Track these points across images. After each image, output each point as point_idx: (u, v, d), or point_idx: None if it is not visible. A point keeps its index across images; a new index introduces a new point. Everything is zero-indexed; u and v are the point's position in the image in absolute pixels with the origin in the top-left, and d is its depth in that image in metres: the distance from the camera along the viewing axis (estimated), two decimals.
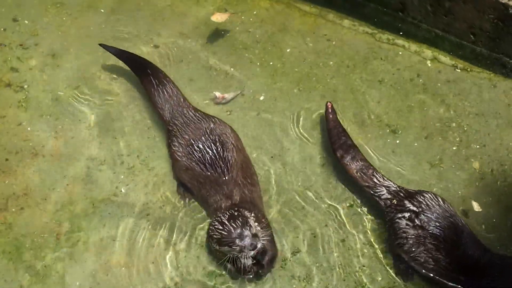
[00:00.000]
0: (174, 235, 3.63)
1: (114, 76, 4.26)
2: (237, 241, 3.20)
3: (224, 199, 3.46)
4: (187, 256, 3.57)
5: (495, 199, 3.67)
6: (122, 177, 3.84)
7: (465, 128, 3.93)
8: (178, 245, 3.61)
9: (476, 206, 3.62)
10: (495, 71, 4.11)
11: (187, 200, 3.73)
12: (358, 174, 3.59)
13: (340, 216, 3.67)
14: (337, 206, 3.71)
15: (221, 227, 3.24)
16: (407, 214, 3.35)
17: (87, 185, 3.82)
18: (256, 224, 3.30)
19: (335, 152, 3.68)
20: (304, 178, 3.81)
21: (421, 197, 3.38)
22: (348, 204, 3.71)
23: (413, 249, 3.32)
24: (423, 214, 3.31)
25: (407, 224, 3.34)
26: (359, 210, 3.70)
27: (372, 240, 3.59)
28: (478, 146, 3.86)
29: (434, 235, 3.27)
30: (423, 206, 3.34)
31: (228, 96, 4.11)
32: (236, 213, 3.27)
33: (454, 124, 3.95)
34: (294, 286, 3.48)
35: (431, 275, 3.33)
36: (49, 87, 4.22)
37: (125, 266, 3.54)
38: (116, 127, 4.04)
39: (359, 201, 3.71)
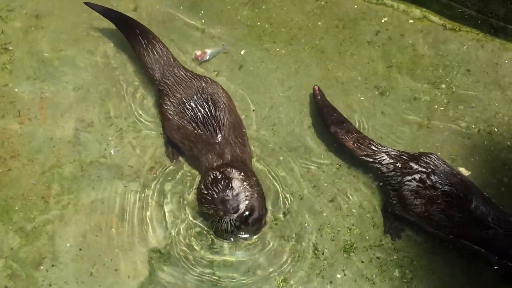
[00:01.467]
0: (163, 197, 3.65)
1: (101, 37, 4.21)
2: (220, 206, 3.22)
3: (216, 158, 3.46)
4: (177, 217, 3.59)
5: (482, 159, 3.70)
6: (110, 139, 3.83)
7: (453, 89, 3.93)
8: (167, 206, 3.62)
9: (464, 171, 3.64)
10: (484, 31, 4.10)
11: (175, 161, 3.73)
12: (355, 145, 3.60)
13: (328, 177, 3.69)
14: (325, 167, 3.73)
15: (205, 191, 3.26)
16: (417, 176, 3.38)
17: (75, 147, 3.80)
18: (245, 183, 3.30)
19: (329, 129, 3.69)
20: (292, 139, 3.82)
21: (427, 158, 3.42)
22: (336, 166, 3.72)
23: (427, 209, 3.36)
24: (433, 174, 3.35)
25: (418, 186, 3.37)
26: (346, 171, 3.72)
27: (360, 200, 3.62)
28: (465, 107, 3.87)
29: (447, 193, 3.31)
30: (431, 166, 3.38)
31: (208, 51, 4.09)
32: (219, 176, 3.27)
33: (442, 85, 3.95)
34: (283, 246, 3.51)
35: (445, 230, 3.37)
36: (34, 49, 4.16)
37: (115, 228, 3.56)
38: (103, 89, 4.01)
39: (347, 163, 3.73)
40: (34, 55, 4.13)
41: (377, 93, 3.95)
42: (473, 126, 3.81)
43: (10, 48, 4.16)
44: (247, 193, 3.29)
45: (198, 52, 4.09)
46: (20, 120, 3.89)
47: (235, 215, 3.23)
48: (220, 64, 4.09)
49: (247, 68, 4.07)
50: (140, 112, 3.92)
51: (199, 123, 3.51)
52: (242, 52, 4.13)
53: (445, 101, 3.90)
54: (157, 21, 4.26)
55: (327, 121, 3.70)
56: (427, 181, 3.35)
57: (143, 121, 3.90)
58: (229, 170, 3.31)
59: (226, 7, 4.31)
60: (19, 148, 3.79)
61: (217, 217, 3.26)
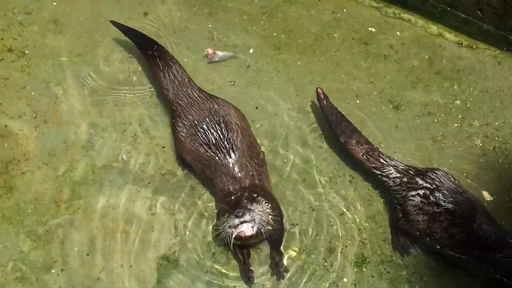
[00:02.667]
0: (174, 204, 3.64)
1: (117, 43, 4.23)
2: (230, 207, 3.21)
3: (231, 180, 3.45)
4: (186, 225, 3.59)
5: (496, 176, 3.67)
6: (123, 145, 3.83)
7: (468, 105, 3.91)
8: (178, 214, 3.62)
9: (486, 195, 3.62)
10: (501, 48, 4.08)
11: (187, 170, 3.73)
12: (364, 157, 3.59)
13: (340, 189, 3.68)
14: (338, 179, 3.71)
15: (227, 201, 3.27)
16: (421, 192, 3.36)
17: (88, 151, 3.82)
18: (268, 211, 3.27)
19: (338, 138, 3.67)
20: (305, 150, 3.81)
21: (434, 174, 3.39)
22: (349, 177, 3.71)
23: (429, 225, 3.33)
24: (438, 191, 3.32)
25: (421, 201, 3.34)
26: (359, 183, 3.70)
27: (372, 214, 3.60)
28: (481, 124, 3.85)
29: (450, 211, 3.28)
30: (436, 183, 3.35)
31: (220, 53, 4.12)
32: (248, 195, 3.26)
33: (457, 101, 3.93)
34: (292, 258, 3.50)
35: (445, 248, 3.34)
36: (51, 53, 4.19)
37: (124, 233, 3.56)
38: (118, 95, 4.02)
39: (359, 176, 3.71)
40: (50, 59, 4.16)
41: (391, 106, 3.94)
42: (488, 143, 3.78)
43: (27, 52, 4.19)
44: (263, 217, 3.24)
45: (210, 51, 4.13)
46: (36, 122, 3.91)
47: (237, 221, 3.18)
48: (235, 73, 4.10)
49: (261, 78, 4.07)
50: (155, 119, 3.93)
51: (211, 145, 3.50)
52: (258, 62, 4.13)
53: (460, 117, 3.88)
54: (174, 30, 4.28)
55: (336, 130, 3.68)
56: (431, 197, 3.32)
57: (157, 127, 3.90)
58: (253, 193, 3.30)
59: (243, 17, 4.32)
60: (34, 151, 3.81)
61: (223, 220, 3.23)
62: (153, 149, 3.83)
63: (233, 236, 3.17)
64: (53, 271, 3.47)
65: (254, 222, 3.19)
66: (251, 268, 3.43)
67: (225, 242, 3.25)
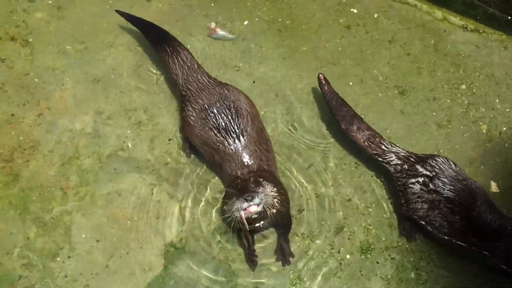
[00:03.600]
0: (180, 191, 3.65)
1: (121, 29, 4.21)
2: (238, 192, 3.20)
3: (240, 165, 3.45)
4: (193, 212, 3.59)
5: (502, 161, 3.66)
6: (129, 132, 3.83)
7: (474, 90, 3.90)
8: (184, 201, 3.62)
9: (494, 186, 3.60)
10: (507, 33, 4.05)
11: (193, 156, 3.73)
12: (366, 143, 3.58)
13: (346, 175, 3.68)
14: (343, 165, 3.71)
15: (235, 185, 3.27)
16: (420, 179, 3.35)
17: (94, 139, 3.82)
18: (275, 194, 3.29)
19: (339, 124, 3.66)
20: (311, 136, 3.81)
21: (433, 161, 3.38)
22: (355, 164, 3.71)
23: (428, 214, 3.33)
24: (437, 178, 3.31)
25: (421, 189, 3.34)
26: (364, 171, 3.70)
27: (377, 199, 3.60)
28: (486, 109, 3.84)
29: (449, 199, 3.27)
30: (436, 170, 3.34)
31: (220, 32, 4.15)
32: (254, 179, 3.27)
33: (463, 86, 3.91)
34: (298, 243, 3.50)
35: (446, 238, 3.34)
36: (55, 39, 4.17)
37: (131, 220, 3.57)
38: (123, 82, 4.02)
39: (364, 162, 3.71)
40: (55, 46, 4.15)
41: (397, 92, 3.92)
42: (494, 128, 3.77)
43: (30, 40, 4.17)
44: (269, 200, 3.25)
45: (212, 25, 4.17)
46: (40, 110, 3.90)
47: (246, 204, 3.17)
48: (240, 59, 4.08)
49: (265, 64, 4.06)
50: (160, 106, 3.92)
51: (221, 129, 3.50)
52: (262, 48, 4.11)
53: (465, 102, 3.86)
54: (177, 17, 4.26)
55: (337, 116, 3.67)
56: (430, 185, 3.32)
57: (162, 115, 3.90)
58: (259, 178, 3.31)
59: (246, 2, 4.30)
60: (39, 139, 3.81)
61: (230, 203, 3.22)
62: (158, 136, 3.83)
63: (242, 218, 3.18)
64: (59, 258, 3.48)
65: (261, 203, 3.19)
66: (255, 253, 3.43)
67: (232, 225, 3.24)
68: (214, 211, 3.59)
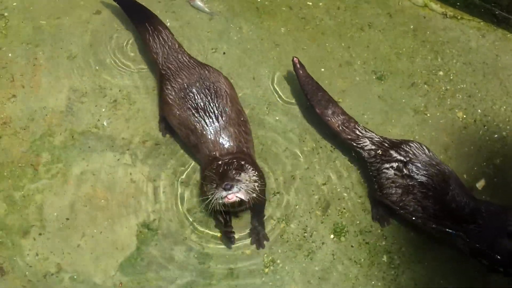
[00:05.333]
0: (154, 171, 3.62)
1: (97, 6, 4.15)
2: (217, 178, 3.19)
3: (218, 147, 3.42)
4: (167, 192, 3.57)
5: (476, 149, 3.69)
6: (104, 110, 3.79)
7: (451, 77, 3.91)
8: (158, 181, 3.60)
9: (481, 183, 3.62)
10: (486, 21, 4.07)
11: (168, 136, 3.70)
12: (340, 128, 3.57)
13: (322, 159, 3.68)
14: (319, 149, 3.70)
15: (215, 168, 3.24)
16: (394, 164, 3.36)
17: (68, 116, 3.76)
18: (253, 178, 3.27)
19: (314, 109, 3.65)
20: (288, 119, 3.80)
21: (407, 146, 3.39)
22: (330, 148, 3.70)
23: (402, 198, 3.34)
24: (411, 164, 3.32)
25: (395, 174, 3.35)
26: (339, 155, 3.70)
27: (352, 184, 3.61)
28: (463, 96, 3.85)
29: (423, 184, 3.29)
30: (410, 155, 3.35)
31: (198, 2, 4.15)
32: (234, 161, 3.25)
33: (441, 73, 3.93)
34: (273, 226, 3.50)
35: (420, 222, 3.36)
36: (30, 15, 4.10)
37: (104, 199, 3.54)
38: (99, 60, 3.96)
39: (339, 147, 3.71)
40: (30, 22, 4.07)
41: (374, 77, 3.92)
42: (470, 115, 3.80)
43: (6, 14, 4.09)
44: (250, 185, 3.23)
45: None
46: (13, 86, 3.83)
47: (224, 193, 3.17)
48: (218, 40, 4.05)
49: (245, 46, 4.03)
50: (137, 85, 3.88)
51: (199, 109, 3.47)
52: (241, 29, 4.08)
53: (442, 89, 3.88)
54: None
55: (312, 101, 3.66)
56: (404, 170, 3.33)
57: (138, 93, 3.86)
58: (241, 161, 3.28)
59: None
60: (12, 115, 3.75)
61: (210, 189, 3.21)
62: (134, 115, 3.79)
63: (221, 206, 3.19)
64: (29, 236, 3.44)
65: (240, 191, 3.18)
66: (232, 230, 3.42)
67: (209, 208, 3.23)
68: (188, 192, 3.57)
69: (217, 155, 3.40)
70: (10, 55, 3.94)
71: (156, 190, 3.57)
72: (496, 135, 3.74)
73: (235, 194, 3.17)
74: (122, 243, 3.44)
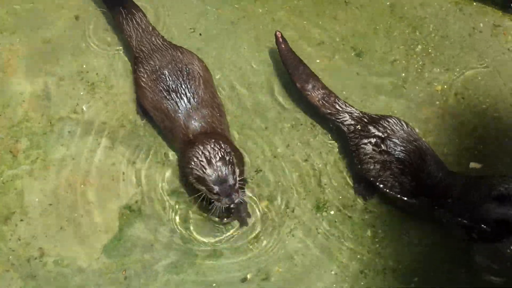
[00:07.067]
0: (135, 154, 3.61)
1: None
2: (216, 188, 3.14)
3: (192, 128, 3.39)
4: (148, 174, 3.56)
5: (457, 122, 3.71)
6: (82, 94, 3.76)
7: (430, 51, 3.92)
8: (139, 163, 3.59)
9: (475, 164, 3.62)
10: None
11: (146, 119, 3.69)
12: (320, 102, 3.57)
13: (302, 136, 3.68)
14: (299, 126, 3.71)
15: (207, 166, 3.15)
16: (372, 140, 3.37)
17: (45, 101, 3.73)
18: (237, 162, 3.26)
19: (294, 83, 3.65)
20: (267, 98, 3.79)
21: (386, 122, 3.39)
22: (310, 125, 3.71)
23: (380, 174, 3.36)
24: (388, 140, 3.33)
25: (373, 150, 3.36)
26: (320, 131, 3.70)
27: (334, 159, 3.62)
28: (441, 70, 3.87)
29: (400, 160, 3.30)
30: (388, 131, 3.36)
31: None
32: (227, 157, 3.18)
33: (419, 47, 3.93)
34: (255, 204, 3.51)
35: (398, 196, 3.38)
36: (3, 0, 4.05)
37: (84, 184, 3.53)
38: (75, 44, 3.93)
39: (320, 123, 3.71)
40: (3, 7, 4.02)
41: (353, 54, 3.92)
42: (449, 89, 3.81)
43: None
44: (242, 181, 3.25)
45: None
46: None
47: (230, 202, 3.16)
48: (195, 21, 4.02)
49: (222, 27, 4.01)
50: (114, 68, 3.86)
51: (171, 92, 3.44)
52: (218, 9, 4.06)
53: (420, 63, 3.89)
54: None
55: (293, 75, 3.65)
56: (382, 145, 3.34)
57: (115, 76, 3.83)
58: (231, 153, 3.23)
59: None
60: None
61: (207, 196, 3.20)
62: (112, 99, 3.77)
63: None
64: (10, 221, 3.43)
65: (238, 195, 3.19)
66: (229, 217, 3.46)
67: (214, 214, 3.28)
68: (169, 173, 3.56)
69: (191, 136, 3.37)
70: None
71: (138, 173, 3.56)
72: (476, 108, 3.75)
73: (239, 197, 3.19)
74: (105, 226, 3.44)
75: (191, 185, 3.30)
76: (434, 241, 3.42)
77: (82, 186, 3.52)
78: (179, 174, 3.52)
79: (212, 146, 3.19)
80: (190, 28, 3.99)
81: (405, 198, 3.36)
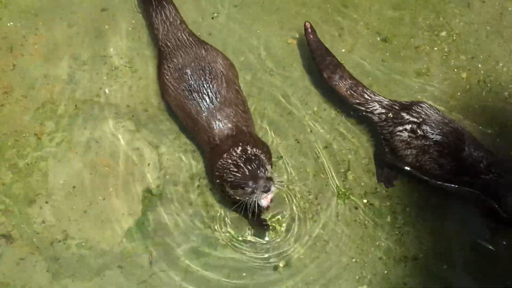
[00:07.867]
0: (157, 138, 3.63)
1: None
2: (250, 183, 3.12)
3: (217, 130, 3.37)
4: (170, 159, 3.58)
5: (480, 109, 3.68)
6: (105, 78, 3.77)
7: (454, 38, 3.88)
8: (161, 147, 3.61)
9: None
10: None
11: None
12: (348, 92, 3.56)
13: (325, 122, 3.67)
14: (322, 112, 3.70)
15: (235, 169, 3.16)
16: (408, 126, 3.37)
17: (69, 85, 3.75)
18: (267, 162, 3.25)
19: (322, 73, 3.63)
20: (291, 83, 3.78)
21: (419, 107, 3.40)
22: (335, 112, 3.70)
23: (418, 159, 3.37)
24: (424, 124, 3.34)
25: (409, 136, 3.36)
26: (343, 119, 3.70)
27: (356, 147, 3.62)
28: (466, 57, 3.83)
29: (438, 142, 3.31)
30: (422, 116, 3.36)
31: None
32: (252, 157, 3.17)
33: (443, 33, 3.89)
34: (278, 190, 3.48)
35: (435, 179, 3.40)
36: None
37: (108, 167, 3.55)
38: (99, 27, 3.92)
39: (345, 109, 3.69)
40: None
41: (379, 39, 3.89)
42: (474, 76, 3.77)
43: None
44: (276, 178, 3.21)
45: None
46: (13, 55, 3.81)
47: (265, 195, 3.14)
48: (218, 5, 3.99)
49: (246, 11, 3.98)
50: (138, 52, 3.85)
51: (193, 92, 3.42)
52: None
53: (445, 49, 3.85)
54: None
55: (320, 64, 3.64)
56: (418, 131, 3.34)
57: (139, 60, 3.83)
58: (256, 152, 3.23)
59: None
60: (13, 84, 3.73)
61: (243, 198, 3.17)
62: (136, 83, 3.77)
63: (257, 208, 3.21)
64: (35, 204, 3.47)
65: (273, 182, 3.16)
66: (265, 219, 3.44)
67: (249, 212, 3.21)
68: (191, 158, 3.58)
69: (218, 141, 3.35)
70: (9, 24, 3.90)
71: (160, 156, 3.58)
72: (499, 95, 3.72)
73: (273, 193, 3.18)
74: (128, 209, 3.47)
75: (227, 197, 3.30)
76: (453, 229, 3.44)
77: (106, 169, 3.55)
78: (204, 163, 3.54)
79: (239, 152, 3.21)
80: (213, 13, 3.97)
81: (444, 181, 3.38)
